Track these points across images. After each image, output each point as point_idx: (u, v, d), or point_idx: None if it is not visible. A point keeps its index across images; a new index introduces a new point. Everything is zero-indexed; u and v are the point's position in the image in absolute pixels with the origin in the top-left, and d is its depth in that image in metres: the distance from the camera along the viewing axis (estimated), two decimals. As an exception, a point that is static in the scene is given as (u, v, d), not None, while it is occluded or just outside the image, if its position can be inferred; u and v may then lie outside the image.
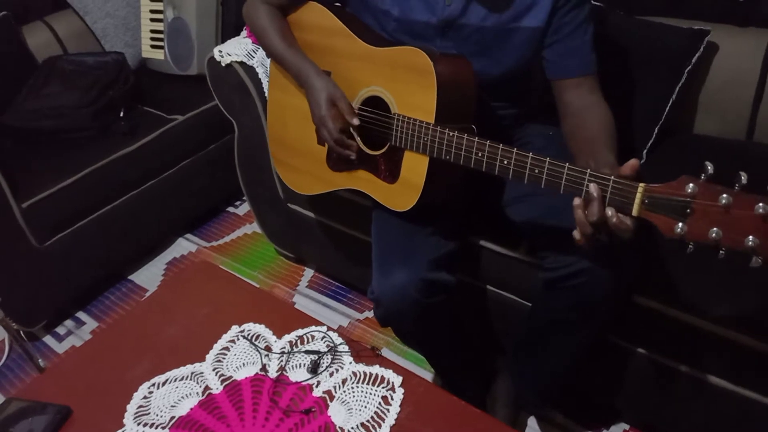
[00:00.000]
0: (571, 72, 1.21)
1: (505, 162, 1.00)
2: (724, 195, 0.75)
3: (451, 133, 1.07)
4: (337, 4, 1.36)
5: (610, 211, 0.86)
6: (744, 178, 0.74)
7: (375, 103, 1.23)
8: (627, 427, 1.48)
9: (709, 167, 0.76)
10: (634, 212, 0.85)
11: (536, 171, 0.95)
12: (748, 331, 1.13)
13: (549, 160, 0.93)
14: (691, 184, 0.78)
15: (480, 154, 1.03)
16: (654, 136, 1.51)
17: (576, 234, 0.91)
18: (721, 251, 0.77)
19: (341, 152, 1.24)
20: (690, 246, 0.80)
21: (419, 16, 1.20)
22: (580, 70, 1.20)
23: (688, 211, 0.79)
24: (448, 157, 1.09)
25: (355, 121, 1.20)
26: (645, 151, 1.52)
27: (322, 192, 1.42)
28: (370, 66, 1.23)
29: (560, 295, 1.18)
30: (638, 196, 0.84)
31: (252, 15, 1.37)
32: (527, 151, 0.97)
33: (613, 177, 0.86)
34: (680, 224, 0.79)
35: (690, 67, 1.47)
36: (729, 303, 1.14)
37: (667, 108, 1.49)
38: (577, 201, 0.90)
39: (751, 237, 0.73)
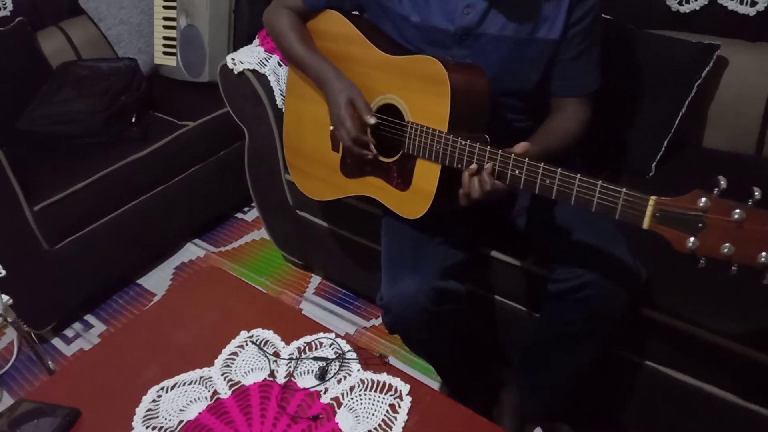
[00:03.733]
0: (566, 92, 1.25)
1: (517, 172, 1.00)
2: (737, 210, 0.75)
3: (463, 142, 1.07)
4: (355, 12, 1.37)
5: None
6: (758, 193, 0.74)
7: (389, 111, 1.24)
8: (633, 439, 1.48)
9: (722, 182, 0.76)
10: (645, 225, 0.85)
11: (547, 181, 0.96)
12: (755, 345, 1.12)
13: (561, 170, 0.94)
14: (703, 198, 0.78)
15: (492, 164, 1.04)
16: (663, 149, 1.52)
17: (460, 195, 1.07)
18: (733, 267, 0.77)
19: (358, 152, 1.24)
20: (702, 261, 0.79)
21: (438, 23, 1.21)
22: (575, 92, 1.25)
23: (701, 225, 0.78)
24: (460, 166, 1.09)
25: (372, 120, 1.20)
26: (654, 164, 1.53)
27: (335, 198, 1.43)
28: (385, 74, 1.24)
29: (568, 307, 1.18)
30: (649, 209, 0.84)
31: (272, 19, 1.38)
32: (539, 161, 0.97)
33: (624, 190, 0.87)
34: (692, 239, 0.79)
35: (700, 81, 1.47)
36: (736, 316, 1.14)
37: (677, 121, 1.50)
38: (473, 167, 1.04)
39: (764, 253, 0.73)
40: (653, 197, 0.84)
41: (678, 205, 0.81)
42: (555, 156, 1.12)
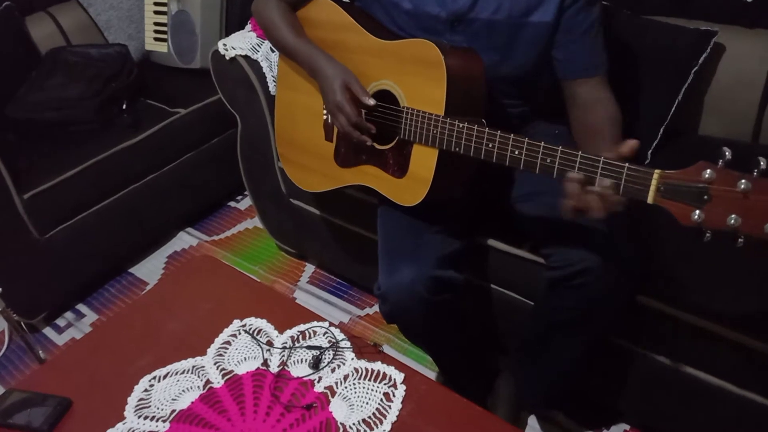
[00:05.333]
0: (582, 73, 1.22)
1: (516, 152, 0.99)
2: (743, 180, 0.73)
3: (461, 124, 1.06)
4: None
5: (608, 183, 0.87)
6: (764, 163, 0.72)
7: (384, 97, 1.22)
8: (627, 427, 1.48)
9: (727, 153, 0.75)
10: (650, 200, 0.83)
11: (548, 160, 0.94)
12: (750, 333, 1.12)
13: (561, 148, 0.93)
14: (708, 170, 0.76)
15: (491, 145, 1.03)
16: (659, 136, 1.51)
17: (566, 205, 0.93)
18: (740, 239, 0.75)
19: (357, 137, 1.21)
20: (707, 234, 0.78)
21: (430, 9, 1.20)
22: (591, 71, 1.22)
23: (706, 197, 0.77)
24: (457, 149, 1.08)
25: (371, 102, 1.17)
26: (650, 152, 1.52)
27: (330, 189, 1.42)
28: (379, 60, 1.22)
29: (564, 295, 1.17)
30: (653, 183, 0.82)
31: (262, 9, 1.36)
32: (539, 141, 0.96)
33: (627, 165, 0.85)
34: (697, 211, 0.77)
35: (696, 67, 1.46)
36: (732, 304, 1.14)
37: (673, 108, 1.49)
38: (574, 175, 0.90)
39: None
40: (657, 170, 0.82)
41: (682, 178, 0.79)
42: None
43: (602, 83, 1.22)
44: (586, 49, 1.20)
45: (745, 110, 1.51)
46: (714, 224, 0.77)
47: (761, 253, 0.74)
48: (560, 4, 1.15)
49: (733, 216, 0.74)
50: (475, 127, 1.04)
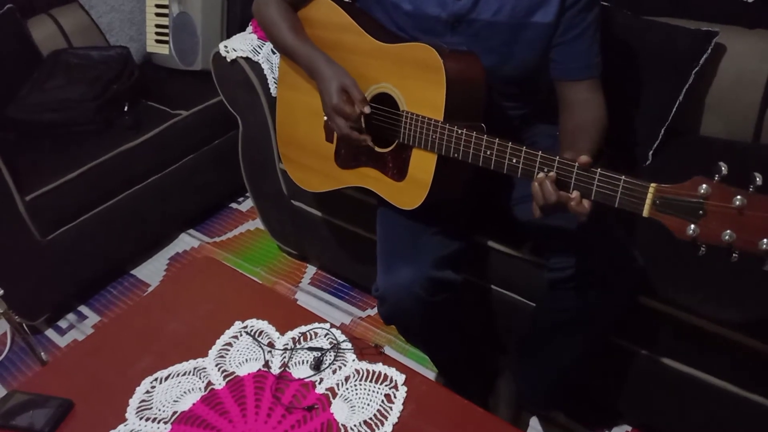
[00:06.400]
0: (575, 75, 1.22)
1: (514, 160, 0.99)
2: (738, 196, 0.74)
3: (459, 131, 1.06)
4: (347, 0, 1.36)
5: (573, 194, 0.91)
6: (759, 179, 0.73)
7: (384, 100, 1.22)
8: (629, 428, 1.48)
9: (723, 168, 0.75)
10: (645, 213, 0.84)
11: (545, 170, 0.95)
12: (751, 334, 1.12)
13: (558, 158, 0.93)
14: (704, 185, 0.77)
15: (488, 152, 1.03)
16: (660, 136, 1.51)
17: (533, 207, 0.97)
18: (734, 254, 0.76)
19: (355, 139, 1.21)
20: (702, 248, 0.79)
21: (430, 11, 1.20)
22: (584, 74, 1.22)
23: (701, 212, 0.78)
24: (456, 155, 1.08)
25: (366, 109, 1.17)
26: (651, 152, 1.52)
27: (330, 189, 1.42)
28: (379, 62, 1.22)
29: (564, 296, 1.18)
30: (649, 196, 0.83)
31: (262, 9, 1.36)
32: (536, 150, 0.96)
33: (623, 177, 0.86)
34: (692, 226, 0.78)
35: (697, 68, 1.46)
36: (733, 305, 1.14)
37: (674, 109, 1.49)
38: (541, 175, 0.94)
39: (765, 240, 0.72)
40: (653, 184, 0.83)
41: (678, 192, 0.80)
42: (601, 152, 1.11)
43: (593, 86, 1.22)
44: (581, 51, 1.20)
45: (745, 110, 1.51)
46: (709, 239, 0.78)
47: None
48: (561, 4, 1.15)
49: (727, 231, 0.75)
50: (474, 134, 1.04)
